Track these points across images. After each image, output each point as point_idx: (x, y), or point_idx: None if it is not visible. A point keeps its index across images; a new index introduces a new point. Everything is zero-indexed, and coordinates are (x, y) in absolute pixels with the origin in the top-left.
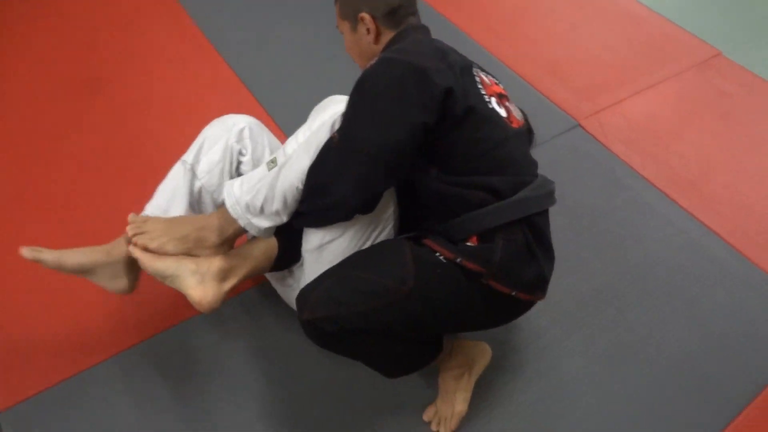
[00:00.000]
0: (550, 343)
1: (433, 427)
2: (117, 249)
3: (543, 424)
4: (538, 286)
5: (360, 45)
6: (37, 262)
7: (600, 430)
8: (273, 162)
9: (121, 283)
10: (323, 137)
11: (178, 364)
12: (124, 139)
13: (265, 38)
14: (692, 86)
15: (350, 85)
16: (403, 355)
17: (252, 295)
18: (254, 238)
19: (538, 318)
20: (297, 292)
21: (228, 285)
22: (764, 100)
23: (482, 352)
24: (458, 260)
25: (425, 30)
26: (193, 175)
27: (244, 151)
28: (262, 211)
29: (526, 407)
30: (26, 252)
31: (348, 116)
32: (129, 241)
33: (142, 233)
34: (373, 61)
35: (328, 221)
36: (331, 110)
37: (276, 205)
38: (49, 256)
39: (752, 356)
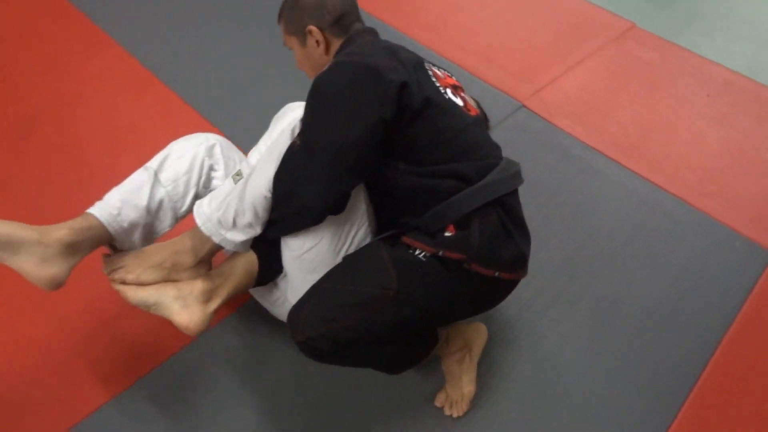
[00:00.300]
0: (537, 315)
1: (446, 411)
2: (54, 233)
3: (545, 390)
4: (518, 264)
5: (311, 58)
6: None
7: (596, 384)
8: (238, 174)
9: (51, 269)
10: (284, 144)
11: (179, 398)
12: (65, 176)
13: (201, 55)
14: (616, 58)
15: (293, 90)
16: (400, 354)
17: (239, 316)
18: (233, 254)
19: (521, 294)
20: (284, 305)
21: (213, 306)
22: (681, 64)
23: (478, 332)
24: (440, 253)
25: (373, 32)
26: (157, 181)
27: (216, 167)
28: (234, 225)
29: (526, 377)
30: None
31: (306, 120)
32: (103, 254)
33: (117, 268)
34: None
35: (300, 226)
36: (289, 117)
37: (247, 217)
38: None
39: (717, 291)
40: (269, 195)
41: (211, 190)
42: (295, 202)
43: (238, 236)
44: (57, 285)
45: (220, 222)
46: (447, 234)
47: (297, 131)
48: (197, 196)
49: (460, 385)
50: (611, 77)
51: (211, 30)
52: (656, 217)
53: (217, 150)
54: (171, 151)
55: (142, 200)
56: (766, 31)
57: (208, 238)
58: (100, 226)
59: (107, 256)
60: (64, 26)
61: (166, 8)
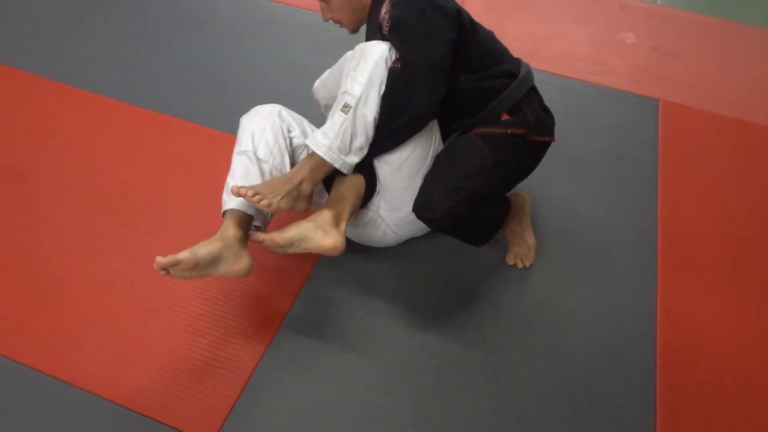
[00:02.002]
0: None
1: (519, 264)
2: (227, 233)
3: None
4: (553, 128)
5: (351, 3)
6: (174, 266)
7: (588, 324)
8: (346, 106)
9: (244, 260)
10: (382, 72)
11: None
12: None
13: (149, 67)
14: None
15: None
16: (500, 213)
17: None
18: (338, 182)
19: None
20: (377, 223)
21: (343, 226)
22: None
23: (524, 198)
24: (508, 131)
25: None
26: (258, 159)
27: (290, 128)
28: (350, 149)
29: (524, 312)
30: (162, 260)
31: (401, 48)
32: (249, 234)
33: (261, 197)
34: (386, 7)
35: (408, 135)
36: (377, 51)
37: (360, 140)
38: (184, 255)
39: (634, 143)
40: (377, 116)
41: (295, 148)
42: (405, 113)
43: (354, 158)
44: (251, 269)
45: (339, 149)
46: (504, 119)
47: (390, 61)
48: (291, 157)
49: (525, 240)
50: (493, 7)
51: (145, 40)
52: (575, 99)
53: (284, 113)
54: (252, 128)
55: (257, 179)
56: None
57: (323, 166)
58: (243, 214)
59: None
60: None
61: (58, 26)
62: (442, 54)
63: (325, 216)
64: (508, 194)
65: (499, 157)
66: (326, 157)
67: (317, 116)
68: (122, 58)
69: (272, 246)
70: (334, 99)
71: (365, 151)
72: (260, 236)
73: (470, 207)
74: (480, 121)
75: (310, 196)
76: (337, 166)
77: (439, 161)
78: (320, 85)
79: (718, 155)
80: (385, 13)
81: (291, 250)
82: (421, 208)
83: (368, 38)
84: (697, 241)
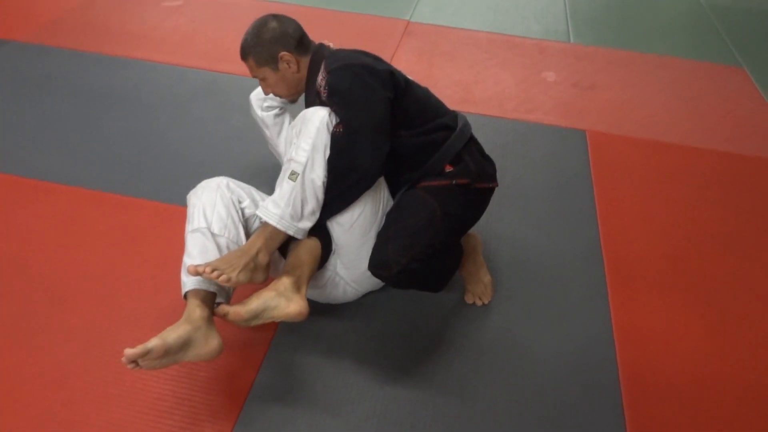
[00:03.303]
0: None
1: (477, 303)
2: (193, 315)
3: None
4: (495, 174)
5: (286, 79)
6: (144, 356)
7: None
8: (293, 173)
9: (215, 341)
10: (325, 136)
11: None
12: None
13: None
14: (414, 46)
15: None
16: (454, 259)
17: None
18: (294, 247)
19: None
20: (335, 281)
21: (304, 291)
22: (455, 38)
23: (476, 238)
24: (453, 182)
25: (325, 46)
26: (213, 234)
27: (240, 199)
28: (302, 215)
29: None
30: (131, 351)
31: (340, 112)
32: (214, 308)
33: (220, 273)
34: (322, 74)
35: (357, 194)
36: (317, 118)
37: (311, 205)
38: (153, 343)
39: (569, 172)
40: (325, 180)
41: (247, 219)
42: (353, 173)
43: (307, 224)
44: (221, 349)
45: (291, 216)
46: (448, 170)
47: (332, 124)
48: (245, 228)
49: (480, 278)
50: (421, 60)
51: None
52: (510, 136)
53: (232, 185)
54: (203, 204)
55: (215, 255)
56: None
57: (277, 235)
58: (206, 292)
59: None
60: None
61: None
62: (381, 113)
63: (285, 283)
64: None
65: (447, 209)
66: (279, 226)
67: (265, 182)
68: (55, 141)
69: (236, 319)
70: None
71: (317, 215)
72: (224, 308)
73: (424, 261)
74: (424, 174)
75: (268, 266)
76: (291, 233)
77: (389, 218)
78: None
79: (644, 174)
80: (322, 80)
81: (255, 322)
82: (376, 267)
83: (308, 105)
84: (638, 257)
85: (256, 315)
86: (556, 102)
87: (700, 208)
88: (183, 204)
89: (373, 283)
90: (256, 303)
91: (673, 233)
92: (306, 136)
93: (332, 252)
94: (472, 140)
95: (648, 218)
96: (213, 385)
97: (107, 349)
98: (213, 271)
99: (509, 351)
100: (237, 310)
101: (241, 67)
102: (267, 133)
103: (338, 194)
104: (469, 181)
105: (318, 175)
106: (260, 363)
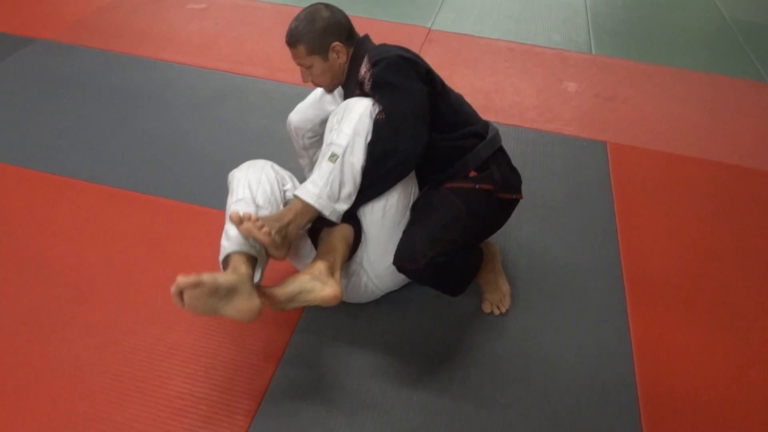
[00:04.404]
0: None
1: (495, 312)
2: (239, 269)
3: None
4: (520, 186)
5: (333, 69)
6: (195, 287)
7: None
8: (333, 155)
9: (256, 300)
10: (367, 123)
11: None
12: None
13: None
14: (437, 53)
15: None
16: (474, 262)
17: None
18: (327, 234)
19: None
20: (360, 275)
21: (337, 275)
22: (475, 46)
23: (495, 247)
24: (477, 186)
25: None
26: (257, 205)
27: (284, 182)
28: (339, 197)
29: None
30: (183, 279)
31: (384, 101)
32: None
33: (262, 224)
34: (365, 67)
35: (394, 180)
36: (360, 106)
37: (348, 187)
38: (206, 277)
39: (591, 179)
40: (364, 164)
41: (287, 201)
42: (392, 158)
43: (343, 206)
44: (260, 312)
45: (329, 197)
46: (472, 175)
47: (374, 113)
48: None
49: (498, 287)
50: (442, 67)
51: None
52: (530, 146)
53: (276, 167)
54: (248, 179)
55: None
56: (494, 7)
57: (309, 212)
58: (247, 256)
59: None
60: None
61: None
62: (423, 104)
63: (320, 267)
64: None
65: (472, 210)
66: (316, 205)
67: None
68: (80, 139)
69: (273, 302)
70: (310, 130)
71: (353, 199)
72: (262, 290)
73: (449, 256)
74: (449, 177)
75: (290, 245)
76: (326, 213)
77: (416, 214)
78: (297, 115)
79: (666, 188)
80: (366, 72)
81: (290, 305)
82: (403, 260)
83: (347, 96)
84: (658, 271)
85: (291, 298)
86: (577, 112)
87: (722, 223)
88: (204, 204)
89: (393, 281)
90: (292, 286)
91: (693, 248)
92: (348, 121)
93: (360, 243)
94: (501, 151)
95: (668, 232)
96: (229, 385)
97: (126, 345)
98: (257, 220)
99: (526, 361)
100: (273, 292)
101: (263, 70)
102: (304, 156)
103: (376, 178)
104: (492, 188)
105: (357, 159)
106: (276, 365)
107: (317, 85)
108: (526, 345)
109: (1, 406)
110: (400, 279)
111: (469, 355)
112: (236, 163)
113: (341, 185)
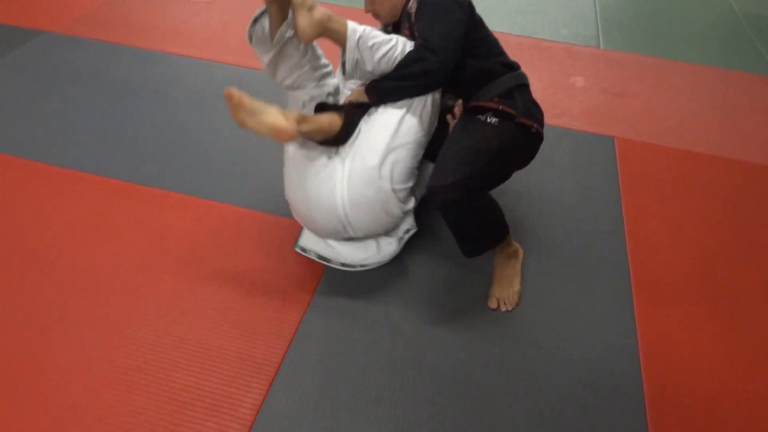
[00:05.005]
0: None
1: (501, 308)
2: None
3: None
4: (542, 122)
5: (393, 1)
6: (231, 99)
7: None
8: (390, 37)
9: (281, 121)
10: (406, 47)
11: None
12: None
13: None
14: None
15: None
16: (496, 226)
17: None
18: (318, 113)
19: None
20: (324, 173)
21: (303, 128)
22: None
23: (519, 248)
24: (500, 107)
25: None
26: None
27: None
28: (364, 50)
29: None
30: (229, 92)
31: (422, 26)
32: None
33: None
34: (413, 1)
35: (415, 87)
36: (403, 37)
37: (379, 53)
38: (243, 98)
39: (598, 178)
40: (400, 57)
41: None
42: (422, 63)
43: (359, 55)
44: (281, 130)
45: (361, 39)
46: (495, 100)
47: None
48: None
49: (511, 284)
50: None
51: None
52: None
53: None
54: None
55: None
56: (501, 1)
57: (339, 27)
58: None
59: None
60: None
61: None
62: (458, 30)
63: (293, 112)
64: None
65: (501, 139)
66: (350, 31)
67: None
68: (86, 131)
69: (236, 103)
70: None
71: (370, 69)
72: (233, 91)
73: (476, 183)
74: (478, 96)
75: (318, 34)
76: (350, 43)
77: (450, 140)
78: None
79: (674, 184)
80: (413, 3)
81: (249, 121)
82: (435, 177)
83: (396, 31)
84: (665, 268)
85: (253, 111)
86: (585, 107)
87: (730, 220)
88: (209, 197)
89: (364, 200)
90: (259, 103)
91: (701, 245)
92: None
93: (350, 143)
94: (526, 87)
95: (676, 228)
96: (235, 378)
97: (131, 339)
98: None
99: (531, 358)
100: (242, 96)
101: None
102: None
103: (401, 76)
104: (514, 113)
105: (400, 51)
106: (281, 360)
107: (376, 12)
108: (531, 340)
109: (6, 399)
110: (367, 202)
111: (474, 352)
112: (241, 157)
113: (375, 47)
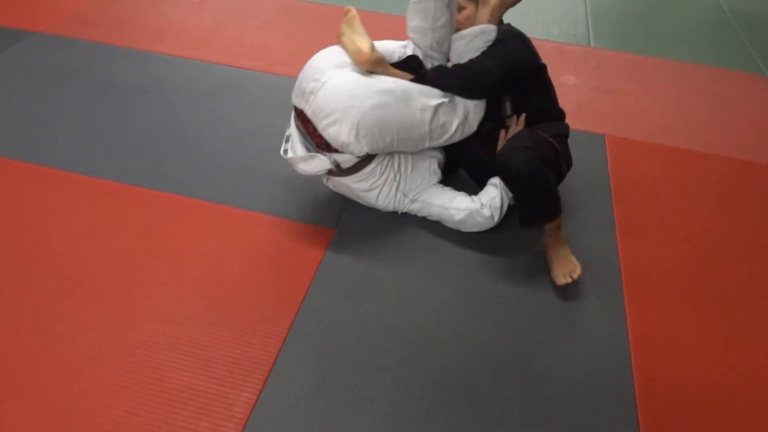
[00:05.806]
0: None
1: (568, 280)
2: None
3: None
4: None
5: (472, 21)
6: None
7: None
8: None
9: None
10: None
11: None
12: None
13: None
14: None
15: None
16: (552, 201)
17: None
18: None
19: None
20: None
21: (377, 66)
22: None
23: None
24: (550, 140)
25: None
26: None
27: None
28: (433, 30)
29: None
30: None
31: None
32: None
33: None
34: (488, 27)
35: (468, 86)
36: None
37: (447, 44)
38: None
39: (590, 173)
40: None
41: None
42: (475, 66)
43: (418, 36)
44: (365, 65)
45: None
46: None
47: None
48: None
49: (570, 260)
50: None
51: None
52: None
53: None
54: None
55: None
56: None
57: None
58: None
59: None
60: None
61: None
62: (502, 75)
63: (380, 52)
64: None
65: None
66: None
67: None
68: (78, 132)
69: (350, 17)
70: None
71: (431, 44)
72: (353, 9)
73: (542, 161)
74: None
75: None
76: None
77: (514, 136)
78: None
79: (664, 181)
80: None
81: (346, 32)
82: (503, 154)
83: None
84: (656, 265)
85: (351, 21)
86: (576, 106)
87: (721, 216)
88: (202, 197)
89: (419, 179)
90: (360, 26)
91: (692, 241)
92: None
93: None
94: (567, 138)
95: (667, 225)
96: (228, 377)
97: (125, 339)
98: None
99: (524, 357)
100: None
101: (262, 63)
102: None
103: (455, 69)
104: (560, 151)
105: (472, 48)
106: (275, 358)
107: (460, 26)
108: (524, 340)
109: (0, 400)
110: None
111: (469, 350)
112: (235, 158)
113: (447, 24)
